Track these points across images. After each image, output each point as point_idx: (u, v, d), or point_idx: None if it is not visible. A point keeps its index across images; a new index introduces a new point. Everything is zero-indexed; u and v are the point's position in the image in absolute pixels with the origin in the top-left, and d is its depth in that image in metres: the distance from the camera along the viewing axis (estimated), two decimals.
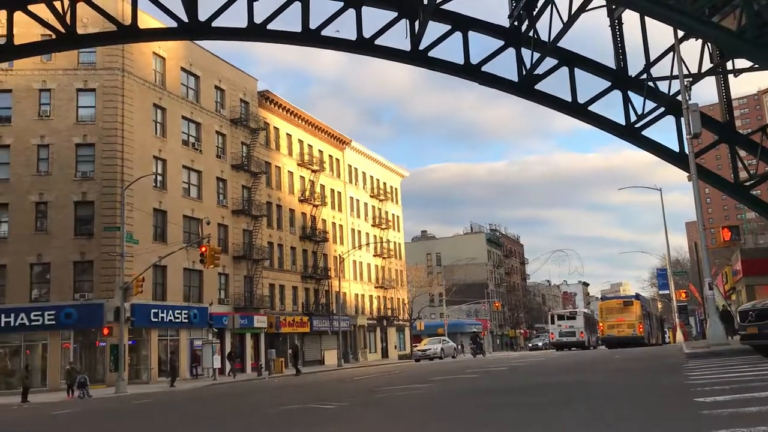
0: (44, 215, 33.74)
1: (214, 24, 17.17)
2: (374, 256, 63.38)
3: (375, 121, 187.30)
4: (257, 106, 46.71)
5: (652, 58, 18.40)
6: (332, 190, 56.86)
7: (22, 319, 32.07)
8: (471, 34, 18.02)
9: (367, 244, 60.67)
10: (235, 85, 44.36)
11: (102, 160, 34.16)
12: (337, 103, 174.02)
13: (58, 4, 16.70)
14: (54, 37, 17.86)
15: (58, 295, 32.91)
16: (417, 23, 17.55)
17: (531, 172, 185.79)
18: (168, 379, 31.16)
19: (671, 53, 17.69)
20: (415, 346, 51.97)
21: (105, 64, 34.73)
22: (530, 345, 69.68)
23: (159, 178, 36.92)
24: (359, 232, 60.88)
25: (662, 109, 19.11)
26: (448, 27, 17.78)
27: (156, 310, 34.69)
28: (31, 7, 16.72)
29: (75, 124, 34.42)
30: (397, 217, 70.63)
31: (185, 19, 17.01)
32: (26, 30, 21.02)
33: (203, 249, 29.21)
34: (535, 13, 17.26)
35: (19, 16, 16.89)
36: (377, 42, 17.73)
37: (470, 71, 18.39)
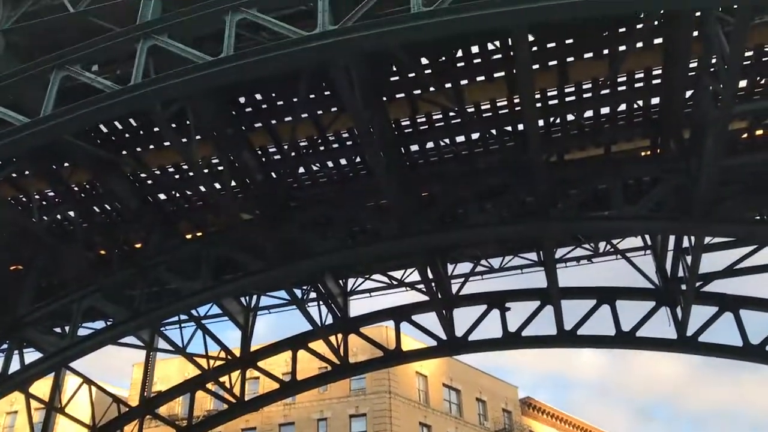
0: None
1: (471, 338, 17.78)
2: None
3: (646, 419, 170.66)
4: (520, 414, 45.39)
5: None
6: None
7: None
8: (743, 312, 16.57)
9: None
10: (495, 395, 44.03)
11: None
12: (603, 404, 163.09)
13: (333, 339, 18.58)
14: (329, 368, 19.58)
15: None
16: (679, 309, 16.64)
17: None
18: None
19: None
20: None
21: (374, 388, 36.83)
22: None
23: None
24: None
25: None
26: (715, 309, 16.58)
27: None
28: (311, 345, 18.77)
29: None
30: None
31: (444, 336, 17.89)
32: (306, 365, 23.46)
33: None
34: None
35: (300, 354, 18.99)
36: (638, 334, 16.95)
37: (751, 353, 16.50)
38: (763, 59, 12.08)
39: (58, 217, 15.03)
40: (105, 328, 13.42)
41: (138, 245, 16.35)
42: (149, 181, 14.51)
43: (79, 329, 13.20)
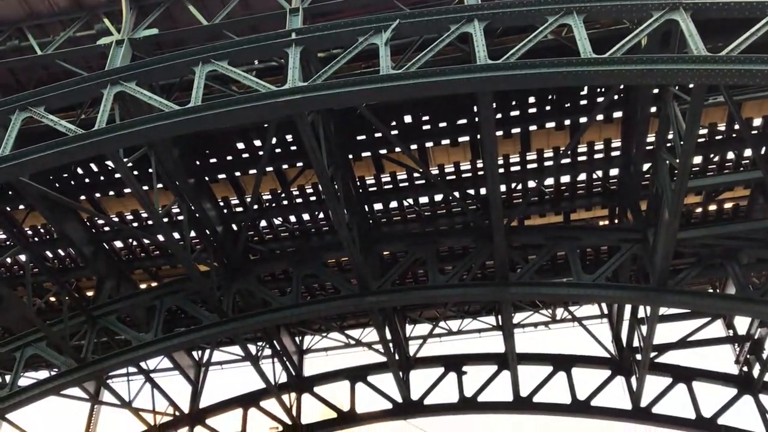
0: None
1: (426, 402, 17.54)
2: None
3: None
4: None
5: None
6: None
7: None
8: (696, 384, 16.73)
9: None
10: None
11: None
12: None
13: (286, 398, 18.15)
14: (281, 428, 19.06)
15: None
16: (633, 379, 16.71)
17: None
18: None
19: None
20: None
21: None
22: None
23: None
24: None
25: None
26: (669, 380, 16.70)
27: None
28: (263, 403, 18.30)
29: None
30: None
31: (399, 400, 17.61)
32: (257, 423, 22.79)
33: None
34: (766, 356, 15.84)
35: (252, 412, 18.48)
36: (593, 403, 16.93)
37: (703, 426, 16.58)
38: (716, 138, 12.57)
39: (8, 260, 14.60)
40: (48, 378, 12.86)
41: (90, 293, 15.92)
42: (106, 228, 14.24)
43: (20, 379, 12.65)
